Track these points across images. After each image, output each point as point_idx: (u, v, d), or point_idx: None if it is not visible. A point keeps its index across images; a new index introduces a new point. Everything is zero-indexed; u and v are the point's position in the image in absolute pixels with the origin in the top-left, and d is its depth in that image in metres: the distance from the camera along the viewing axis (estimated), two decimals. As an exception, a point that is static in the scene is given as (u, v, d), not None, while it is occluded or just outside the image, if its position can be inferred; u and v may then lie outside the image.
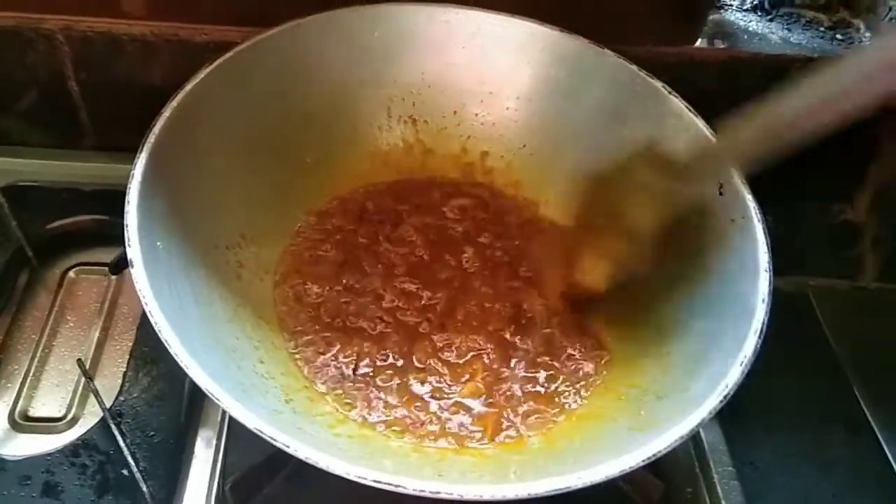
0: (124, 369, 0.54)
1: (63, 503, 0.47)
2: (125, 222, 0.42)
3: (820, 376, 0.65)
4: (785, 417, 0.61)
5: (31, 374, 0.55)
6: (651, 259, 0.49)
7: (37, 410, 0.53)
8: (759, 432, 0.59)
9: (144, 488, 0.46)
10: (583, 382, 0.50)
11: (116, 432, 0.49)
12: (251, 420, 0.37)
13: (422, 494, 0.35)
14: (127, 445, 0.48)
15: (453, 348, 0.51)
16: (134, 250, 0.41)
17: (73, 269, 0.61)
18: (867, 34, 0.63)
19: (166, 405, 0.51)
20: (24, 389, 0.54)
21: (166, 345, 0.38)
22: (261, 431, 0.36)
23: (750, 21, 0.65)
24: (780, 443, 0.60)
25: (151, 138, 0.46)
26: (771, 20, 0.66)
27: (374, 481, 0.35)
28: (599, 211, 0.52)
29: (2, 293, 0.58)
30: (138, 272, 0.40)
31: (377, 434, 0.46)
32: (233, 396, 0.38)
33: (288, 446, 0.36)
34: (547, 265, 0.55)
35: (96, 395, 0.50)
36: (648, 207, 0.48)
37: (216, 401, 0.37)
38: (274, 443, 0.36)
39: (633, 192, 0.49)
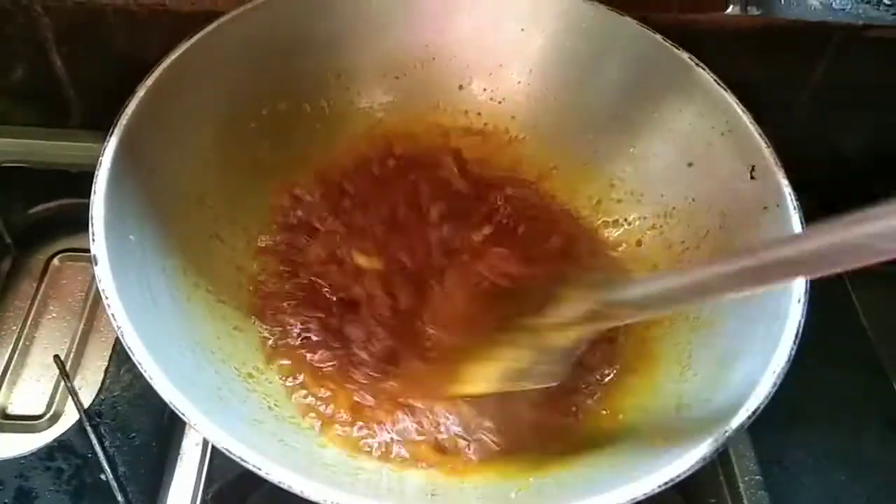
0: (107, 364, 0.51)
1: (36, 510, 0.44)
2: (91, 214, 0.39)
3: (856, 370, 0.62)
4: (817, 414, 0.58)
5: (10, 368, 0.53)
6: (557, 375, 0.43)
7: (16, 408, 0.51)
8: (789, 430, 0.57)
9: (120, 497, 0.43)
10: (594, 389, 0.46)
11: (93, 436, 0.46)
12: (220, 437, 0.33)
13: (407, 523, 0.32)
14: (104, 449, 0.46)
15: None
16: (98, 245, 0.38)
17: (58, 256, 0.59)
18: (919, -1, 0.58)
19: (149, 405, 0.49)
20: (3, 385, 0.52)
21: (129, 352, 0.35)
22: (229, 451, 0.33)
23: (788, -16, 0.60)
24: (812, 441, 0.57)
25: (123, 120, 0.43)
26: (811, -16, 0.60)
27: (355, 509, 0.32)
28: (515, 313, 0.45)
29: (-19, 282, 0.56)
30: (102, 269, 0.37)
31: (369, 446, 0.42)
32: (202, 408, 0.34)
33: (259, 468, 0.32)
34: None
35: (73, 394, 0.48)
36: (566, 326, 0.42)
37: (180, 415, 0.33)
38: (244, 464, 0.33)
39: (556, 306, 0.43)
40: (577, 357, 0.43)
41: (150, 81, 0.44)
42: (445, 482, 0.40)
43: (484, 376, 0.44)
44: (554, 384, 0.43)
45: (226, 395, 0.39)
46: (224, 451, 0.33)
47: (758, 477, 0.50)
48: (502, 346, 0.44)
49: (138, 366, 0.35)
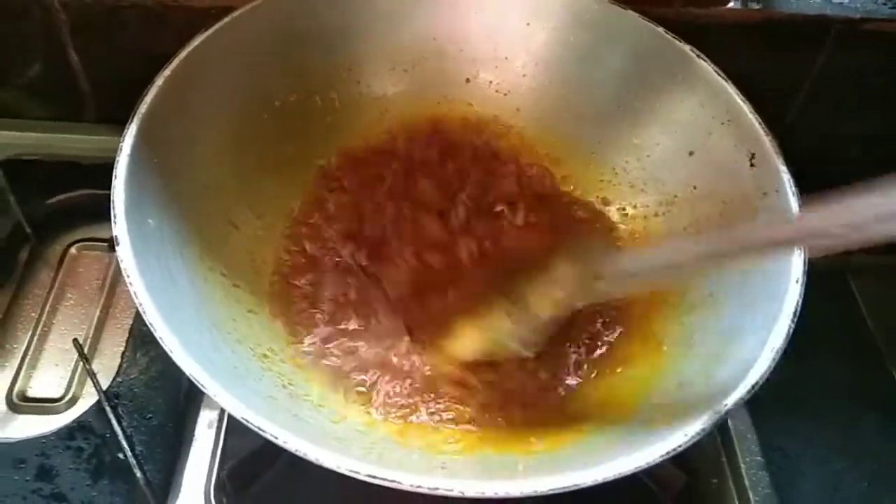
0: (123, 349, 0.52)
1: (57, 487, 0.45)
2: (112, 198, 0.40)
3: (856, 359, 0.62)
4: (817, 403, 0.59)
5: (30, 353, 0.54)
6: (534, 346, 0.46)
7: (35, 391, 0.52)
8: (790, 418, 0.57)
9: (139, 474, 0.44)
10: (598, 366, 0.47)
11: (112, 416, 0.47)
12: (238, 408, 0.34)
13: (419, 490, 0.33)
14: (123, 429, 0.47)
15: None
16: (120, 227, 0.39)
17: (75, 246, 0.60)
18: (917, -8, 0.59)
19: (165, 386, 0.50)
20: (23, 369, 0.53)
21: (151, 328, 0.36)
22: (247, 421, 0.34)
23: (787, -21, 0.61)
24: (812, 430, 0.57)
25: (142, 108, 0.44)
26: (810, -23, 0.61)
27: (368, 476, 0.33)
28: (511, 281, 0.48)
29: (1, 270, 0.57)
30: (124, 251, 0.38)
31: (382, 423, 0.44)
32: (221, 382, 0.35)
33: (276, 437, 0.34)
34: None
35: (92, 376, 0.49)
36: (553, 298, 0.45)
37: (201, 387, 0.35)
38: (262, 433, 0.34)
39: (549, 280, 0.45)
40: (551, 332, 0.45)
41: (167, 71, 0.45)
42: (454, 456, 0.41)
43: (472, 339, 0.46)
44: (529, 355, 0.46)
45: (242, 373, 0.41)
46: (242, 420, 0.34)
47: (759, 458, 0.51)
48: (494, 312, 0.46)
49: (159, 341, 0.36)
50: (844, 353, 0.62)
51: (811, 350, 0.59)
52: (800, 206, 0.44)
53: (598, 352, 0.48)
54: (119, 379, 0.50)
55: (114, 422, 0.47)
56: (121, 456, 0.46)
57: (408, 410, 0.45)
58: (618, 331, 0.49)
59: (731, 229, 0.37)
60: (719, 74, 0.49)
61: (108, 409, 0.47)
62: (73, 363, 0.53)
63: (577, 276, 0.43)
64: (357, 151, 0.56)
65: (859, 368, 0.62)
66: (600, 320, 0.49)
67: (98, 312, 0.56)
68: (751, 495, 0.50)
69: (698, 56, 0.50)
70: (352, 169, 0.55)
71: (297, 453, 0.33)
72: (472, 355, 0.47)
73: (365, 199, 0.54)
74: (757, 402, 0.52)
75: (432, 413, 0.44)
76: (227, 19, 0.49)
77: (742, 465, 0.51)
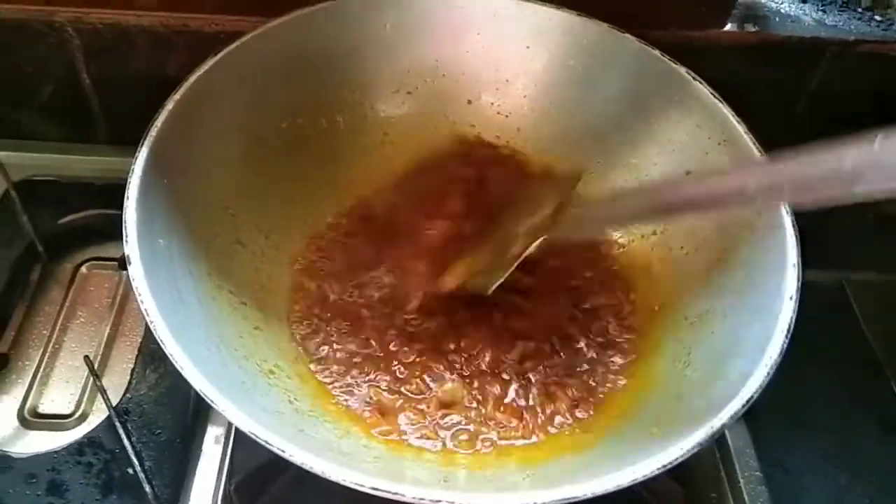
0: (133, 366, 0.53)
1: (68, 502, 0.46)
2: (124, 218, 0.41)
3: (856, 375, 0.62)
4: (818, 417, 0.59)
5: (41, 370, 0.54)
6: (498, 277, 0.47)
7: (46, 407, 0.53)
8: (790, 433, 0.57)
9: (147, 488, 0.45)
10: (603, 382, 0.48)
11: (121, 431, 0.48)
12: (246, 422, 0.35)
13: (422, 503, 0.34)
14: (132, 444, 0.48)
15: (474, 351, 0.50)
16: (132, 247, 0.40)
17: (85, 265, 0.61)
18: (909, 14, 0.60)
19: (174, 403, 0.51)
20: (35, 386, 0.54)
21: (161, 343, 0.37)
22: (255, 435, 0.35)
23: (782, 2, 0.62)
24: (813, 444, 0.57)
25: (153, 131, 0.45)
26: (805, 1, 0.62)
27: (372, 488, 0.34)
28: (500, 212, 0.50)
29: (14, 288, 0.58)
30: (136, 269, 0.40)
31: (385, 438, 0.45)
32: (229, 397, 0.36)
33: (283, 450, 0.35)
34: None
35: (103, 393, 0.50)
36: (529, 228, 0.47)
37: (210, 402, 0.36)
38: (269, 447, 0.35)
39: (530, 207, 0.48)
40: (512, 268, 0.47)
41: (178, 95, 0.47)
42: (457, 470, 0.42)
43: (458, 273, 0.49)
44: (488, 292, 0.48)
45: (249, 388, 0.42)
46: (250, 434, 0.35)
47: (757, 473, 0.51)
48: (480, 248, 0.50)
49: (170, 357, 0.37)
50: (845, 368, 0.62)
51: (811, 365, 0.60)
52: (794, 224, 0.45)
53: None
54: (128, 395, 0.51)
55: (123, 437, 0.48)
56: (130, 471, 0.47)
57: (415, 431, 0.45)
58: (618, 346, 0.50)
59: (701, 179, 0.39)
60: (715, 96, 0.50)
61: (117, 424, 0.48)
62: (83, 380, 0.54)
63: (552, 206, 0.46)
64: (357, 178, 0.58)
65: (860, 383, 0.62)
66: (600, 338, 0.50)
67: (108, 330, 0.57)
68: (750, 510, 0.50)
69: (694, 78, 0.51)
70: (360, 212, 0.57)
71: (304, 466, 0.34)
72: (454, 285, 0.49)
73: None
74: (758, 417, 0.53)
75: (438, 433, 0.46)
76: (235, 44, 0.50)
77: (741, 480, 0.51)
